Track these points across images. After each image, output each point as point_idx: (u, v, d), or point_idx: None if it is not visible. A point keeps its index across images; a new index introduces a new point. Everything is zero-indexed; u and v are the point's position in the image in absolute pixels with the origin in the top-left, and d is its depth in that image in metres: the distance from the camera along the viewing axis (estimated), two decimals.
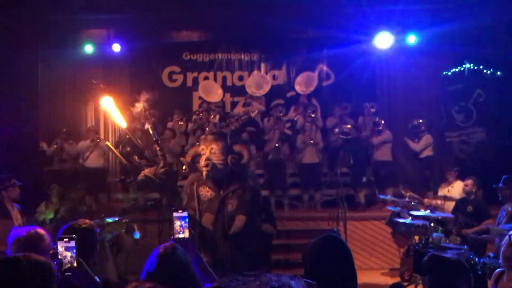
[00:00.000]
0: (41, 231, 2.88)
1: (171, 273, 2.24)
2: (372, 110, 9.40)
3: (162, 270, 2.25)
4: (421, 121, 8.97)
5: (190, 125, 9.71)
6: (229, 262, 4.51)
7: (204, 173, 4.85)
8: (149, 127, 5.28)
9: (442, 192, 7.91)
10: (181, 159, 5.35)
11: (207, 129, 5.75)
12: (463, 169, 8.06)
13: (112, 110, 4.85)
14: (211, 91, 10.41)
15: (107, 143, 5.12)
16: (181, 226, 2.71)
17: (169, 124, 9.84)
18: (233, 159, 4.96)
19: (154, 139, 5.02)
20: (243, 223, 4.73)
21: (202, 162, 4.87)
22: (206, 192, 4.89)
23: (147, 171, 4.49)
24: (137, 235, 6.82)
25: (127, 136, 8.81)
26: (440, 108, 9.67)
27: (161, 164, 4.68)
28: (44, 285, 1.96)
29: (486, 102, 8.90)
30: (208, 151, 4.88)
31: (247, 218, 4.76)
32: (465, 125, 9.09)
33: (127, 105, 10.43)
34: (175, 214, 2.73)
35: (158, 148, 5.39)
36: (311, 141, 8.94)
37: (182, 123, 9.84)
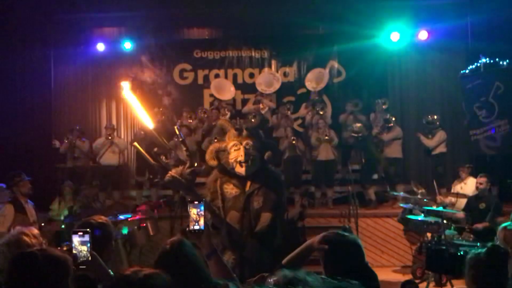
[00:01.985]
0: None
1: (178, 267, 2.25)
2: (384, 106, 9.35)
3: (169, 264, 2.26)
4: (435, 117, 8.89)
5: (205, 123, 9.72)
6: (255, 260, 4.50)
7: (243, 169, 4.79)
8: (175, 127, 5.28)
9: (455, 189, 7.86)
10: (207, 157, 5.30)
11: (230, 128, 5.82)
12: (481, 165, 7.97)
13: (139, 111, 4.87)
14: (223, 88, 10.42)
15: (135, 143, 5.15)
16: (197, 214, 2.68)
17: (178, 122, 9.85)
18: (270, 156, 4.93)
19: (181, 139, 5.03)
20: (269, 220, 4.71)
21: (241, 157, 4.81)
22: (231, 189, 4.85)
23: (173, 172, 4.48)
24: (125, 230, 6.83)
25: (142, 133, 8.86)
26: (458, 106, 9.52)
27: (187, 164, 4.67)
28: (60, 279, 1.99)
29: (506, 93, 8.74)
30: (243, 147, 4.83)
31: (273, 215, 4.74)
32: (488, 120, 8.94)
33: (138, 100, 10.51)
34: (190, 205, 2.70)
35: (184, 148, 5.40)
36: (326, 137, 8.89)
37: (191, 121, 9.86)
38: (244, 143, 4.80)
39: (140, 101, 4.94)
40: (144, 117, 4.88)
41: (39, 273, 1.94)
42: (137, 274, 1.73)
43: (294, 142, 8.86)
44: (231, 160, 4.82)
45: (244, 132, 4.85)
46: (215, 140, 8.03)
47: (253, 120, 9.22)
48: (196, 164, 7.36)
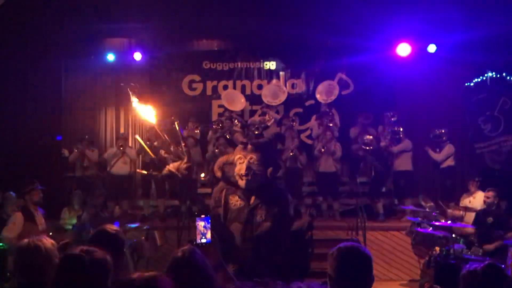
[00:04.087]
0: None
1: (187, 276, 2.27)
2: (393, 119, 9.33)
3: (180, 271, 2.28)
4: (443, 131, 8.86)
5: (210, 133, 9.74)
6: (255, 272, 4.52)
7: (243, 182, 4.85)
8: (176, 123, 5.33)
9: (463, 202, 7.82)
10: (215, 168, 5.33)
11: (236, 137, 5.76)
12: (490, 179, 7.93)
13: (142, 107, 4.93)
14: (234, 99, 10.46)
15: (137, 137, 5.21)
16: (204, 227, 2.73)
17: (184, 133, 9.87)
18: (272, 172, 4.98)
19: (180, 135, 5.07)
20: (268, 228, 4.74)
21: (242, 171, 4.86)
22: (235, 201, 4.90)
23: (171, 166, 4.56)
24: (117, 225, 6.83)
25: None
26: (465, 119, 9.52)
27: (185, 160, 4.72)
28: (103, 280, 2.02)
29: None
30: (247, 161, 4.88)
31: (273, 224, 4.76)
32: (493, 134, 8.93)
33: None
34: (198, 219, 2.76)
35: (183, 144, 5.44)
36: (322, 150, 8.90)
37: (197, 131, 9.89)
38: (248, 157, 4.85)
39: (144, 100, 4.99)
40: (147, 112, 4.92)
41: (86, 275, 1.97)
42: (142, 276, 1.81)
43: (292, 154, 8.87)
44: (235, 173, 4.88)
45: (249, 147, 4.90)
46: (217, 150, 8.09)
47: (256, 132, 9.26)
48: (203, 175, 7.41)
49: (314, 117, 10.15)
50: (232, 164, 5.00)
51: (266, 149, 5.20)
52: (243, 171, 4.85)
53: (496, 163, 8.85)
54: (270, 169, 4.99)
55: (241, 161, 4.93)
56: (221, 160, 5.18)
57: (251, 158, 4.89)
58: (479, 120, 9.02)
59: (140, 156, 9.72)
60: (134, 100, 5.07)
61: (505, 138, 8.80)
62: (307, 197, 9.46)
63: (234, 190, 4.97)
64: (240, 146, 4.98)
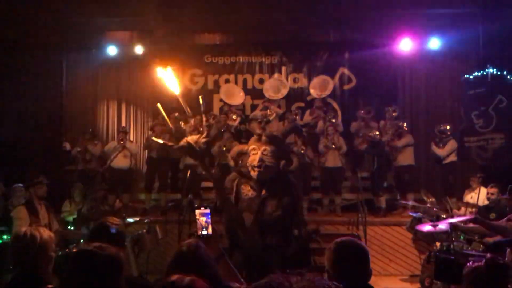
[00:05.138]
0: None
1: (193, 268, 2.27)
2: (394, 114, 9.31)
3: (184, 267, 2.28)
4: (448, 127, 8.83)
5: (213, 129, 9.71)
6: (262, 262, 4.53)
7: (255, 173, 4.86)
8: (200, 97, 5.31)
9: (465, 198, 7.82)
10: (229, 157, 5.32)
11: (252, 127, 5.67)
12: (487, 175, 7.93)
13: (167, 77, 4.88)
14: (232, 94, 10.46)
15: (159, 104, 5.17)
16: (206, 222, 2.75)
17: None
18: (285, 165, 4.99)
19: (202, 109, 5.07)
20: (278, 217, 4.76)
21: (255, 162, 4.88)
22: (247, 191, 4.92)
23: (189, 138, 4.56)
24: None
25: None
26: (460, 111, 9.52)
27: (204, 134, 4.72)
28: (116, 276, 2.03)
29: (507, 108, 8.74)
30: (260, 152, 4.89)
31: (283, 214, 4.79)
32: (484, 130, 8.94)
33: (149, 104, 10.61)
34: (198, 211, 2.78)
35: (204, 119, 5.45)
36: (333, 146, 8.89)
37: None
38: (262, 148, 4.87)
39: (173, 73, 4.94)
40: (173, 82, 4.88)
41: (98, 270, 1.98)
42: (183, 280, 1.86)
43: (303, 151, 8.84)
44: (248, 163, 4.90)
45: (263, 138, 4.92)
46: (224, 148, 8.07)
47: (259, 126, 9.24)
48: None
49: (308, 112, 10.10)
50: (246, 154, 5.01)
51: (280, 141, 5.21)
52: (255, 162, 4.87)
53: (482, 159, 8.87)
54: (283, 162, 4.99)
55: (254, 152, 4.95)
56: (236, 149, 5.19)
57: (264, 150, 4.90)
58: (473, 114, 9.02)
59: (146, 151, 9.75)
60: (159, 69, 5.03)
61: (494, 135, 8.82)
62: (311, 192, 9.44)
63: (247, 180, 4.99)
64: (254, 137, 5.00)
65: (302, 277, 1.38)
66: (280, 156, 5.04)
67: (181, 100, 5.07)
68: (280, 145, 5.20)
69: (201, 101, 5.29)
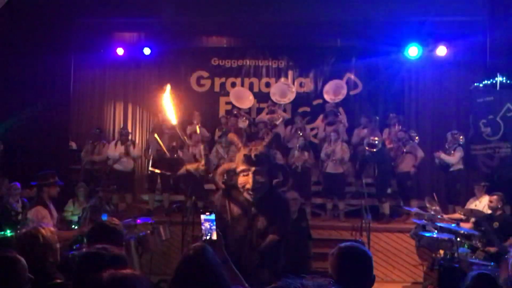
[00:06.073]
0: None
1: (199, 273, 2.27)
2: (397, 127, 9.25)
3: (191, 269, 2.28)
4: (461, 137, 8.77)
5: (217, 131, 9.73)
6: (253, 276, 4.50)
7: (249, 196, 4.83)
8: (198, 126, 5.33)
9: (469, 206, 7.78)
10: (210, 175, 5.31)
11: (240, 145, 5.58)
12: (491, 184, 7.90)
13: (168, 105, 4.92)
14: (242, 97, 10.46)
15: (155, 135, 5.20)
16: (210, 227, 2.75)
17: (189, 129, 9.82)
18: (277, 184, 4.98)
19: (201, 138, 5.07)
20: (273, 243, 4.74)
21: (248, 185, 4.83)
22: (237, 209, 4.90)
23: (189, 166, 4.55)
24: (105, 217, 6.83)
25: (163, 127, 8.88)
26: (468, 119, 9.48)
27: (202, 162, 4.73)
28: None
29: None
30: (252, 174, 4.84)
31: (278, 238, 4.76)
32: (491, 138, 8.90)
33: (155, 106, 10.64)
34: (203, 216, 2.78)
35: (202, 146, 5.46)
36: (334, 159, 8.84)
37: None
38: (252, 169, 4.80)
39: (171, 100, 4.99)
40: (170, 112, 4.92)
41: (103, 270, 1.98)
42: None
43: (297, 153, 8.81)
44: (240, 185, 4.85)
45: (254, 159, 4.85)
46: (226, 156, 8.05)
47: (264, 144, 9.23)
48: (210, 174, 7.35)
49: (320, 117, 10.11)
50: (235, 173, 4.95)
51: (269, 158, 5.15)
52: (249, 185, 4.81)
53: (488, 168, 8.83)
54: (276, 181, 4.97)
55: (245, 174, 4.86)
56: (222, 168, 5.12)
57: (255, 172, 4.84)
58: (481, 122, 8.99)
59: (151, 154, 9.77)
60: (166, 97, 5.06)
61: (501, 144, 8.78)
62: (313, 196, 9.42)
63: (236, 197, 4.95)
64: (242, 157, 4.92)
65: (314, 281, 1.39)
66: (271, 173, 5.01)
67: (178, 130, 5.10)
68: (270, 162, 5.15)
69: (198, 130, 5.30)
